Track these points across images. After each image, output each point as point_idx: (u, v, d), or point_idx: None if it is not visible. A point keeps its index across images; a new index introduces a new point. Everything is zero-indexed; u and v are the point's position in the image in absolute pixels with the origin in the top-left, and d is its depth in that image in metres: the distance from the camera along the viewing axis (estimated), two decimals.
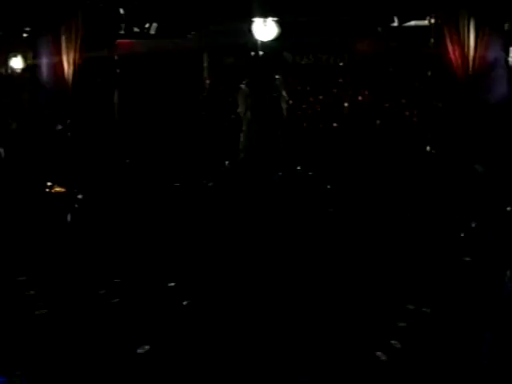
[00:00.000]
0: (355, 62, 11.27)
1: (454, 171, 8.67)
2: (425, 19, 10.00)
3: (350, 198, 9.12)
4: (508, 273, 5.24)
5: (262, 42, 10.39)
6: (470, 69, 8.59)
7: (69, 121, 9.68)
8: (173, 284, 6.22)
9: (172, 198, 9.24)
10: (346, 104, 11.38)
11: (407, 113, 10.97)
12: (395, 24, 10.63)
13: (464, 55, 8.60)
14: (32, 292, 5.98)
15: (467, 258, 6.74)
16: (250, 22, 10.26)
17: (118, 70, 10.81)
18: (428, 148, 9.71)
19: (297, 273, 6.52)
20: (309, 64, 11.52)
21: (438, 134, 9.70)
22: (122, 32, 10.93)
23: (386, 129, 11.04)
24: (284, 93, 9.81)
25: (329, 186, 9.75)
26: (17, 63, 10.52)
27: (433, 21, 9.58)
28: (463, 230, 7.42)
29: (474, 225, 7.46)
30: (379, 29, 10.89)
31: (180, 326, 5.35)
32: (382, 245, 7.25)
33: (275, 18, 10.20)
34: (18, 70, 10.46)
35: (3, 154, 9.27)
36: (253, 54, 10.49)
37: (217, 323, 5.42)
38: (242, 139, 9.96)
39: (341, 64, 11.40)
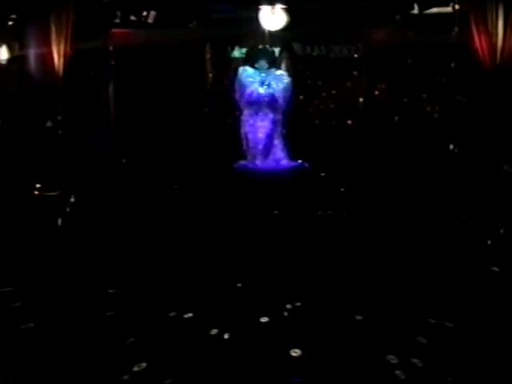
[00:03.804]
0: (371, 53, 11.28)
1: (480, 172, 8.57)
2: (448, 5, 9.94)
3: (365, 201, 9.01)
4: None
5: (270, 32, 10.74)
6: (498, 60, 8.46)
7: (59, 117, 9.58)
8: (172, 295, 6.14)
9: (171, 201, 9.15)
10: (361, 99, 11.40)
11: (428, 108, 10.92)
12: (415, 11, 10.59)
13: (491, 45, 8.46)
14: (18, 304, 5.88)
15: (495, 268, 6.58)
16: (257, 10, 10.55)
17: (112, 62, 10.70)
18: (451, 147, 9.63)
19: (308, 282, 6.36)
20: (320, 55, 11.55)
21: (462, 131, 9.62)
22: (118, 21, 10.89)
23: (404, 126, 11.02)
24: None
25: (343, 189, 9.68)
26: (1, 54, 10.37)
27: (457, 7, 9.47)
28: (490, 237, 7.28)
29: (502, 231, 7.33)
30: (397, 17, 10.85)
31: (179, 342, 5.23)
32: (401, 252, 7.09)
33: (284, 6, 10.50)
34: (3, 62, 10.33)
35: None
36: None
37: (216, 339, 5.29)
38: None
39: (355, 55, 11.41)
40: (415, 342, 5.13)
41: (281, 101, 10.29)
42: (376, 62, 11.24)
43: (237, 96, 10.42)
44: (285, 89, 10.30)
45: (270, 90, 10.24)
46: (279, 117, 10.35)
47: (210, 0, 10.54)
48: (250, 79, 10.28)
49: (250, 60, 10.60)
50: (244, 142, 10.55)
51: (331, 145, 11.27)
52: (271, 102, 10.31)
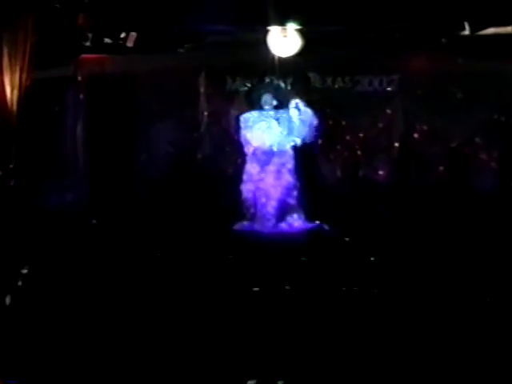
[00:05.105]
0: (409, 85, 11.03)
1: None
2: (508, 25, 9.93)
3: (403, 274, 8.68)
4: None
5: (281, 59, 10.61)
6: None
7: (12, 165, 9.24)
8: None
9: (152, 272, 8.84)
10: (396, 144, 11.19)
11: (483, 156, 10.82)
12: (466, 33, 10.31)
13: None
14: None
15: None
16: (265, 32, 10.39)
17: (82, 96, 10.82)
18: None
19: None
20: (344, 89, 11.28)
21: None
22: (89, 44, 10.64)
23: (452, 178, 10.99)
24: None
25: (373, 258, 9.35)
26: None
27: None
28: None
29: None
30: (443, 40, 10.65)
31: None
32: (450, 348, 6.71)
33: (298, 26, 10.31)
34: None
35: None
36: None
37: None
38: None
39: (389, 89, 11.15)
40: None
41: (303, 138, 10.47)
42: (415, 98, 10.94)
43: (255, 151, 10.60)
44: (304, 121, 10.41)
45: (284, 136, 10.43)
46: (297, 168, 10.46)
47: (206, 19, 10.09)
48: (257, 128, 10.47)
49: (253, 98, 10.73)
50: (249, 200, 10.57)
51: (358, 202, 11.22)
52: (285, 151, 10.50)
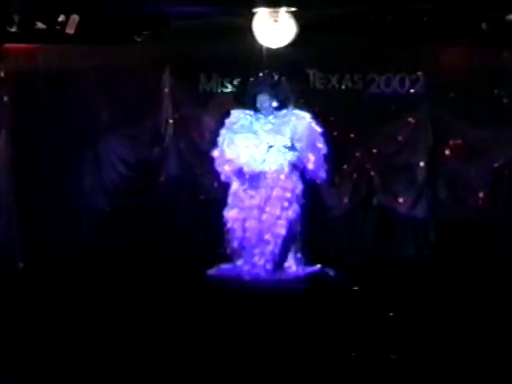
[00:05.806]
0: (438, 86, 10.61)
1: None
2: None
3: (429, 335, 7.73)
4: None
5: (270, 51, 10.20)
6: None
7: None
8: None
9: (97, 333, 7.70)
10: (421, 163, 10.72)
11: None
12: None
13: None
14: None
15: None
16: (250, 15, 9.95)
17: (6, 98, 10.26)
18: None
19: None
20: (353, 91, 10.84)
21: None
22: (15, 30, 9.98)
23: (496, 208, 10.55)
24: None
25: (391, 314, 8.56)
26: None
27: None
28: None
29: None
30: (483, 25, 10.01)
31: None
32: None
33: (292, 8, 9.86)
34: None
35: None
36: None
37: None
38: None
39: (412, 91, 10.70)
40: None
41: (307, 164, 9.70)
42: (447, 102, 10.62)
43: (222, 164, 9.86)
44: (312, 141, 9.66)
45: (284, 154, 9.70)
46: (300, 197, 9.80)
47: None
48: (241, 139, 9.76)
49: (246, 99, 10.10)
50: (233, 233, 9.91)
51: (371, 239, 10.97)
52: (288, 175, 9.77)
